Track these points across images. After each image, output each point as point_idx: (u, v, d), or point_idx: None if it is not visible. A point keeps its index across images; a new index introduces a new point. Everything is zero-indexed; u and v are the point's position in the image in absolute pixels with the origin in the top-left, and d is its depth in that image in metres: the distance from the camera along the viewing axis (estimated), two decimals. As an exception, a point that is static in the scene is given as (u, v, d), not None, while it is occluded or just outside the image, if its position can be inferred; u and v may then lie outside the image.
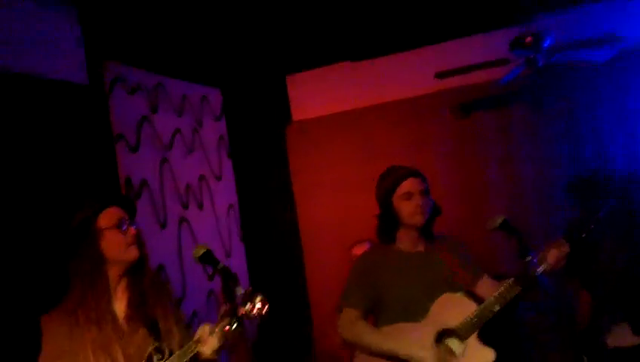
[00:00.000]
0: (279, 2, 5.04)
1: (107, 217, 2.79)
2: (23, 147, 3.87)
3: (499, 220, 3.26)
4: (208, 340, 2.71)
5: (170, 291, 3.05)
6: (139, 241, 2.84)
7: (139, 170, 4.94)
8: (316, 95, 6.56)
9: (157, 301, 2.86)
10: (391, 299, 3.53)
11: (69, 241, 2.81)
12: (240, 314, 2.70)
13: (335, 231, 6.37)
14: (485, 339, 3.41)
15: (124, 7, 4.61)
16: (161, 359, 2.76)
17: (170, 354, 2.77)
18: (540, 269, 3.23)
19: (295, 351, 6.09)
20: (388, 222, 3.59)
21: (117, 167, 4.73)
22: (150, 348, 2.76)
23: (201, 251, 2.78)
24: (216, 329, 2.71)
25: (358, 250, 5.26)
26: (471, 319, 3.40)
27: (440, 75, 5.36)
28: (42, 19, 4.18)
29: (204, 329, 2.73)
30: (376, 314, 3.60)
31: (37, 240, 3.79)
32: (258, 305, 2.70)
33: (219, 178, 5.95)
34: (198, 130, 5.77)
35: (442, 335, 3.44)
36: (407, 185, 3.50)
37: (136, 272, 2.85)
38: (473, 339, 3.39)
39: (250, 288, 2.80)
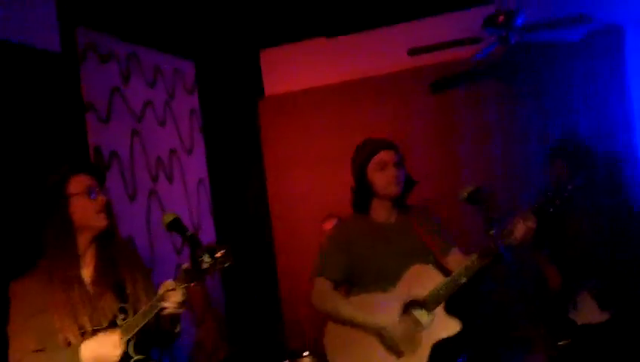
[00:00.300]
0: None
1: (77, 183, 2.81)
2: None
3: (465, 192, 3.28)
4: (171, 295, 2.71)
5: (139, 259, 3.07)
6: (108, 210, 2.86)
7: (109, 141, 4.91)
8: (290, 70, 6.54)
9: (125, 267, 2.89)
10: (364, 269, 3.58)
11: (41, 206, 2.84)
12: (202, 267, 2.71)
13: (305, 207, 6.40)
14: (452, 311, 3.45)
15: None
16: (125, 319, 2.77)
17: (134, 313, 2.80)
18: (503, 242, 3.24)
19: (264, 323, 6.10)
20: (362, 193, 3.64)
21: (86, 137, 4.69)
22: (115, 309, 2.79)
23: (170, 218, 2.78)
24: (179, 284, 2.72)
25: (328, 225, 5.28)
26: (438, 290, 3.44)
27: (413, 52, 5.37)
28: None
29: (166, 285, 2.74)
30: (350, 284, 3.65)
31: (3, 205, 3.77)
32: (220, 258, 2.72)
33: (190, 151, 5.92)
34: (170, 102, 5.73)
35: (410, 306, 3.49)
36: (382, 156, 3.55)
37: (105, 239, 2.88)
38: (440, 310, 3.44)
39: (213, 242, 2.82)
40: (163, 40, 5.63)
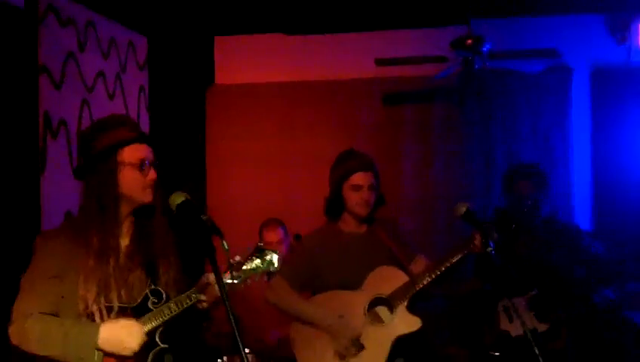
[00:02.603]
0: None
1: (131, 153, 2.60)
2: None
3: (462, 209, 3.35)
4: (209, 290, 2.62)
5: (175, 243, 2.83)
6: (156, 185, 2.65)
7: (59, 107, 4.72)
8: (244, 61, 6.42)
9: (160, 248, 2.69)
10: (329, 275, 3.74)
11: (88, 159, 2.64)
12: (248, 268, 2.65)
13: (243, 206, 6.25)
14: (413, 309, 3.65)
15: None
16: (157, 303, 2.61)
17: (167, 297, 2.63)
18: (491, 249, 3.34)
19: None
20: (335, 205, 3.77)
21: (37, 100, 4.49)
22: (147, 289, 2.62)
23: (180, 199, 2.56)
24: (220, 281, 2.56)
25: (270, 236, 5.13)
26: (401, 289, 3.63)
27: (379, 62, 5.37)
28: None
29: (207, 278, 2.64)
30: (315, 288, 3.80)
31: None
32: (268, 261, 2.69)
33: (135, 130, 5.73)
34: (122, 75, 5.54)
35: (375, 303, 3.67)
36: (358, 177, 3.68)
37: (146, 214, 2.68)
38: (402, 308, 3.62)
39: (261, 243, 2.79)
40: (121, 11, 5.43)
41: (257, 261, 2.74)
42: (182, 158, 6.24)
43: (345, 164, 3.73)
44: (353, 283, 3.69)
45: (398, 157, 6.12)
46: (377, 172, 3.75)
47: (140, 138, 2.65)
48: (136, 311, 2.58)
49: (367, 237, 3.77)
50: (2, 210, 4.01)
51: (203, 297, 2.64)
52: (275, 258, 2.77)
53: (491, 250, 3.28)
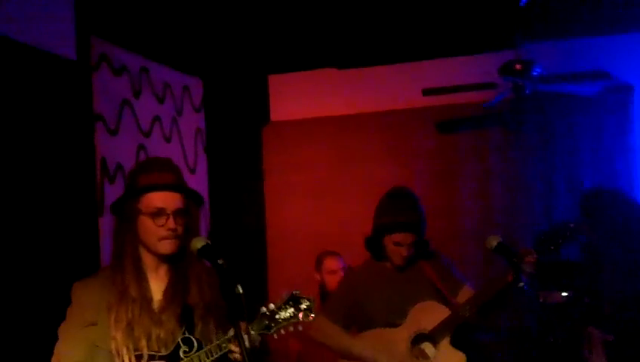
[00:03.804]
0: (271, 2, 5.01)
1: (149, 201, 2.55)
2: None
3: (494, 243, 3.29)
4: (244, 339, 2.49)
5: (216, 289, 2.70)
6: (181, 234, 2.57)
7: (115, 153, 4.84)
8: (297, 98, 6.54)
9: (198, 294, 2.63)
10: (372, 310, 3.74)
11: (117, 207, 2.63)
12: (282, 318, 2.57)
13: (300, 235, 6.39)
14: (457, 344, 3.61)
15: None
16: (188, 352, 2.57)
17: (199, 347, 2.59)
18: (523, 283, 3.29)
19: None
20: (375, 248, 3.78)
21: (94, 147, 4.63)
22: (179, 338, 2.58)
23: (200, 244, 2.50)
24: (253, 330, 2.53)
25: (330, 263, 5.26)
26: (443, 324, 3.59)
27: (427, 92, 5.37)
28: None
29: (240, 327, 2.49)
30: (359, 325, 3.80)
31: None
32: (304, 310, 2.59)
33: (193, 171, 5.85)
34: (177, 119, 5.67)
35: (418, 339, 3.65)
36: (400, 237, 3.66)
37: (180, 260, 2.63)
38: (445, 343, 3.60)
39: (297, 291, 2.64)
40: (174, 56, 5.59)
41: (292, 309, 2.61)
42: (241, 192, 6.38)
43: (389, 217, 3.68)
44: (396, 319, 3.68)
45: (454, 185, 6.11)
46: (422, 219, 3.71)
47: (164, 186, 2.57)
48: (166, 360, 2.55)
49: (411, 272, 3.75)
50: (62, 254, 4.09)
51: (234, 347, 2.51)
52: (312, 306, 2.63)
53: (523, 285, 3.21)
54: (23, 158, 3.90)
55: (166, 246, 2.58)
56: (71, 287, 2.65)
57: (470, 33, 5.55)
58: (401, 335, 3.65)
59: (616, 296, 4.15)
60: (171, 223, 2.54)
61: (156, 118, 5.36)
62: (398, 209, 3.70)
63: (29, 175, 3.92)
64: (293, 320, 2.61)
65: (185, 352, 2.56)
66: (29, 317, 3.42)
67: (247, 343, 2.38)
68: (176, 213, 2.56)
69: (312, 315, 2.63)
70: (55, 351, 2.59)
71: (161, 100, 5.46)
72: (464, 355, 3.57)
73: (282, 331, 2.62)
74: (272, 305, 2.61)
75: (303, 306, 2.62)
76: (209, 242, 2.52)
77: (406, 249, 3.67)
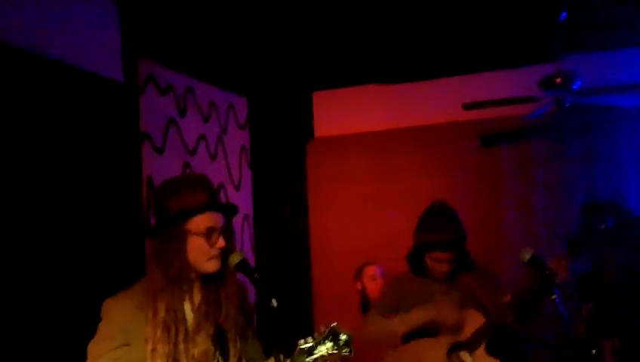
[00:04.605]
0: (315, 20, 5.10)
1: (198, 222, 2.55)
2: (51, 133, 3.91)
3: (527, 256, 3.28)
4: None
5: (249, 311, 2.80)
6: (224, 253, 2.60)
7: (162, 171, 4.95)
8: (341, 114, 6.62)
9: (232, 316, 2.64)
10: None
11: (157, 221, 2.61)
12: (320, 354, 2.50)
13: (344, 248, 6.45)
14: (492, 351, 3.64)
15: (161, 7, 4.68)
16: None
17: None
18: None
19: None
20: (417, 264, 3.83)
21: (141, 167, 4.76)
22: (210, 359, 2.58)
23: (237, 259, 2.57)
24: None
25: (370, 269, 5.42)
26: (478, 332, 3.64)
27: (467, 107, 5.39)
28: (83, 10, 4.23)
29: (278, 359, 2.48)
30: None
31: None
32: (343, 344, 2.51)
33: (237, 187, 5.98)
34: (223, 137, 5.80)
35: (455, 348, 3.69)
36: (440, 255, 3.71)
37: (216, 279, 2.63)
38: (482, 351, 3.64)
39: (336, 324, 2.56)
40: (219, 75, 5.73)
41: (330, 344, 2.53)
42: (285, 209, 6.48)
43: (429, 236, 3.72)
44: (435, 327, 3.71)
45: (498, 198, 6.10)
46: (462, 236, 3.73)
47: (210, 206, 2.59)
48: None
49: (451, 284, 3.79)
50: (109, 273, 4.15)
51: None
52: (350, 340, 2.54)
53: (554, 298, 3.21)
54: (72, 178, 4.03)
55: (213, 265, 2.59)
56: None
57: (510, 47, 5.57)
58: (439, 345, 3.69)
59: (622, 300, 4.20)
60: (222, 242, 2.57)
61: (201, 137, 5.49)
62: (437, 227, 3.73)
63: (77, 194, 4.05)
64: (332, 356, 2.55)
65: None
66: (73, 336, 3.53)
67: None
68: (223, 231, 2.59)
69: (351, 349, 2.54)
70: None
71: (206, 119, 5.59)
72: (500, 361, 3.61)
73: None
74: (310, 339, 2.56)
75: (342, 340, 2.55)
76: (245, 257, 2.59)
77: (446, 266, 3.72)
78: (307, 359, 2.51)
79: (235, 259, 2.57)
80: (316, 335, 2.56)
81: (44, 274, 3.75)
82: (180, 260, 2.54)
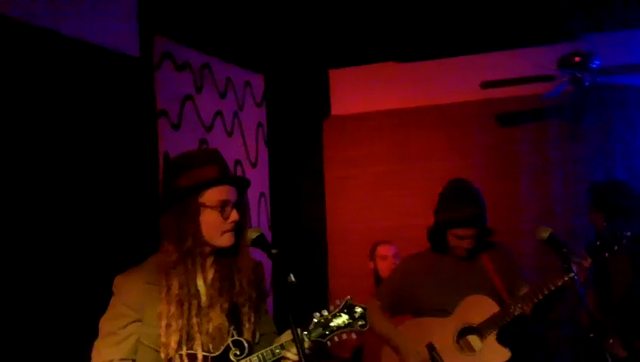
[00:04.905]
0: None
1: (212, 195, 2.52)
2: (67, 109, 3.94)
3: (545, 234, 3.26)
4: (294, 346, 2.44)
5: (263, 289, 2.78)
6: (238, 226, 2.57)
7: (178, 147, 4.94)
8: (357, 92, 6.59)
9: (245, 293, 2.61)
10: (425, 298, 3.82)
11: (169, 195, 2.56)
12: (336, 326, 2.54)
13: (361, 226, 6.46)
14: (503, 340, 3.65)
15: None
16: (239, 355, 2.55)
17: (249, 349, 2.57)
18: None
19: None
20: (438, 241, 3.84)
21: (157, 142, 4.78)
22: (229, 340, 2.56)
23: (255, 235, 2.52)
24: (307, 338, 2.51)
25: (383, 250, 5.42)
26: (491, 319, 3.65)
27: (485, 85, 5.37)
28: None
29: (289, 335, 2.48)
30: (412, 311, 3.89)
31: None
32: (358, 317, 2.55)
33: (254, 164, 5.99)
34: (239, 114, 5.81)
35: (465, 332, 3.72)
36: (462, 231, 3.72)
37: (230, 254, 2.60)
38: (492, 338, 3.64)
39: (350, 297, 2.61)
40: (236, 52, 5.72)
41: (345, 317, 2.57)
42: (301, 186, 6.50)
43: (451, 213, 3.71)
44: (447, 309, 3.74)
45: (515, 176, 6.07)
46: (483, 212, 3.73)
47: (224, 179, 2.56)
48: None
49: (470, 265, 3.81)
50: (125, 248, 4.12)
51: (289, 354, 2.50)
52: (365, 313, 2.60)
53: (573, 275, 3.20)
54: (88, 154, 4.06)
55: (227, 239, 2.55)
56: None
57: (529, 25, 5.52)
58: (449, 326, 3.71)
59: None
60: (235, 215, 2.54)
61: (218, 113, 5.50)
62: (459, 203, 3.72)
63: (93, 169, 4.08)
64: (347, 328, 2.59)
65: (236, 355, 2.55)
66: (88, 313, 3.57)
67: (309, 349, 2.42)
68: (236, 205, 2.56)
69: (366, 323, 2.59)
70: (98, 346, 2.57)
71: (222, 95, 5.60)
72: (509, 352, 3.61)
73: (336, 339, 2.59)
74: (325, 312, 2.59)
75: (357, 313, 2.59)
76: (263, 233, 2.55)
77: (468, 242, 3.73)
78: (323, 331, 2.54)
79: (252, 234, 2.54)
80: (331, 308, 2.60)
81: (60, 251, 3.78)
82: (193, 234, 2.50)
